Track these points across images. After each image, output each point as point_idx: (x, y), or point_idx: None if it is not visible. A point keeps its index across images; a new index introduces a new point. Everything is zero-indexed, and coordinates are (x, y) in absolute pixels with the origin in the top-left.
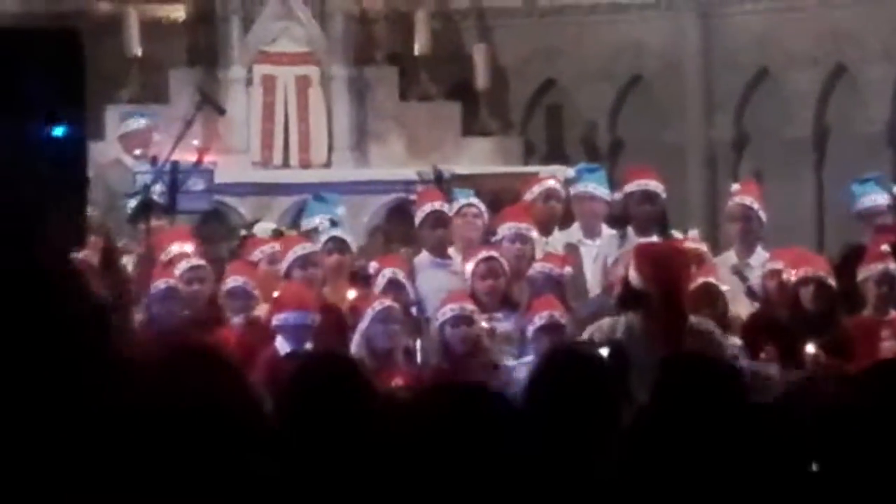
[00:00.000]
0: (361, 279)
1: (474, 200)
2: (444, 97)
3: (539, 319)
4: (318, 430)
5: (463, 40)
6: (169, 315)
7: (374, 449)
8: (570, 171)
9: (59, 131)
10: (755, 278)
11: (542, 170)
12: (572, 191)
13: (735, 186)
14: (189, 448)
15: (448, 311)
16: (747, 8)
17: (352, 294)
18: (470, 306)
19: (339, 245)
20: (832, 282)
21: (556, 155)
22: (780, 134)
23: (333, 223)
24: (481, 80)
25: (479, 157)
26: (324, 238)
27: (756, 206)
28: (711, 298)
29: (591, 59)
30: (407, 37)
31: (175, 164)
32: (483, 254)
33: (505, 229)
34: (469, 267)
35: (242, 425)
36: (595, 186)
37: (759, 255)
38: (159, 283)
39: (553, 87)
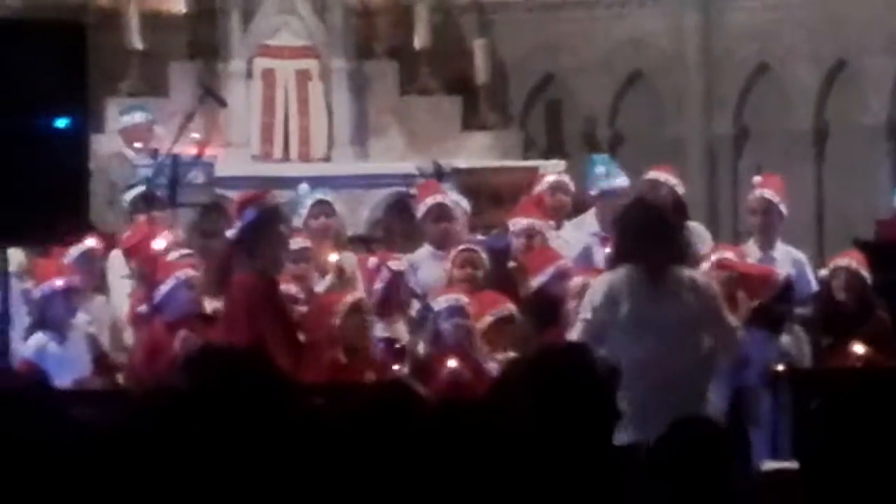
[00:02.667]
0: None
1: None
2: (443, 91)
3: (496, 312)
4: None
5: (463, 34)
6: (181, 303)
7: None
8: (601, 168)
9: (61, 123)
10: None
11: (542, 164)
12: (603, 186)
13: (757, 179)
14: None
15: (443, 301)
16: (747, 3)
17: (334, 257)
18: (465, 298)
19: (324, 208)
20: (864, 272)
21: (555, 149)
22: (781, 128)
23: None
24: (481, 74)
25: (478, 152)
26: (309, 202)
27: (776, 199)
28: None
29: (591, 53)
30: (407, 31)
31: (176, 158)
32: (462, 245)
33: (513, 224)
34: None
35: None
36: (621, 181)
37: (781, 249)
38: (175, 276)
39: (553, 81)
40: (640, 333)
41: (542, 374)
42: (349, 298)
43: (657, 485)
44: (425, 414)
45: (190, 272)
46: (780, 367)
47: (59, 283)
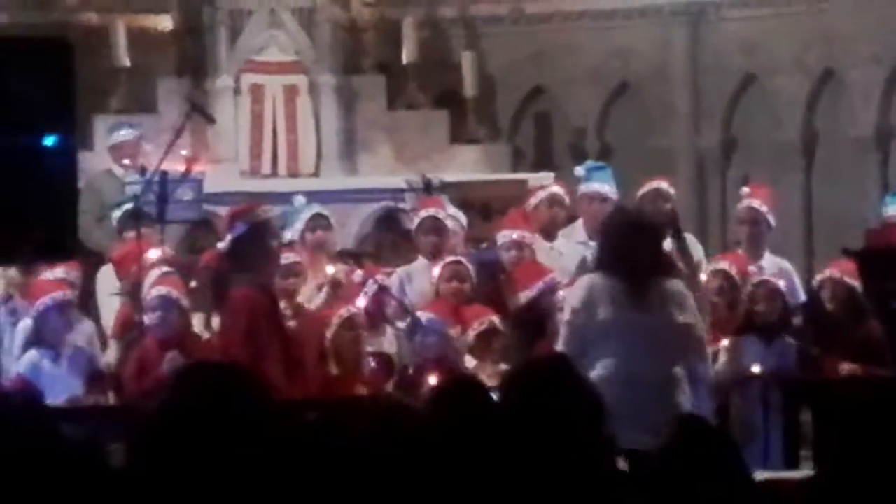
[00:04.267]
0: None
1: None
2: (431, 105)
3: (479, 325)
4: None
5: (451, 48)
6: (168, 321)
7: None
8: (580, 170)
9: (49, 141)
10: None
11: (531, 177)
12: (582, 189)
13: (745, 189)
14: None
15: (426, 316)
16: (734, 13)
17: (331, 270)
18: (448, 312)
19: (321, 221)
20: (852, 282)
21: (544, 162)
22: (769, 139)
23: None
24: (469, 87)
25: (467, 165)
26: (305, 215)
27: (764, 209)
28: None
29: (579, 65)
30: (395, 45)
31: (164, 174)
32: (449, 258)
33: (501, 237)
34: (436, 271)
35: None
36: (606, 187)
37: (769, 259)
38: (154, 291)
39: (541, 94)
40: (615, 340)
41: (529, 385)
42: (343, 313)
43: (668, 488)
44: (415, 429)
45: (163, 290)
46: (770, 375)
47: (53, 297)
